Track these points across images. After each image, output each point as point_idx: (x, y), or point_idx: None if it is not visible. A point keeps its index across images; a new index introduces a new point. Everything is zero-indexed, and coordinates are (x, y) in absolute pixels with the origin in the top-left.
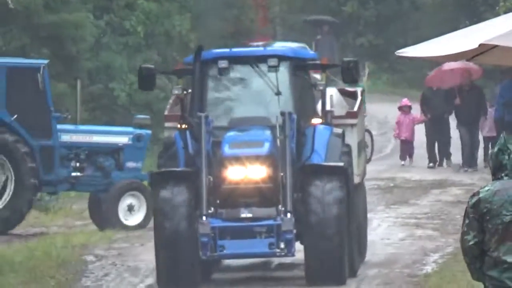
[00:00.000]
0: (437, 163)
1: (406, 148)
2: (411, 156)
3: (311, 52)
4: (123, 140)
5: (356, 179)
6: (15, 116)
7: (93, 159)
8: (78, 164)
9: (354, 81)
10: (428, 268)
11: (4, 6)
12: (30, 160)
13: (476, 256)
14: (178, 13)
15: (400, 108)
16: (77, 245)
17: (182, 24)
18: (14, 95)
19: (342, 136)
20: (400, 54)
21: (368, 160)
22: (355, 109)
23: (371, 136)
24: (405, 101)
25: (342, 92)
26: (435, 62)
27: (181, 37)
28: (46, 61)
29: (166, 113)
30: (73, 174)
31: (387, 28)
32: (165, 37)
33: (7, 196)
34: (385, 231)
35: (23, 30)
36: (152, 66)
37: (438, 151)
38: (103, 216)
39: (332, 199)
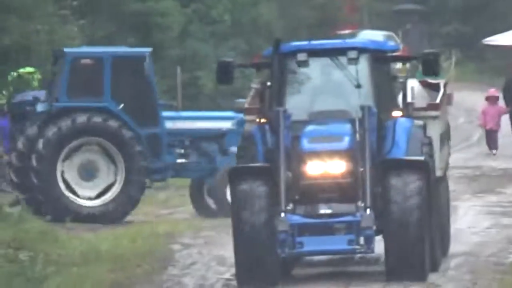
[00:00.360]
0: None
1: (492, 138)
2: (496, 145)
3: (395, 42)
4: (226, 125)
5: (438, 173)
6: (122, 105)
7: (197, 145)
8: (182, 151)
9: (434, 74)
10: None
11: None
12: (139, 148)
13: None
14: (265, 1)
15: (487, 98)
16: (163, 234)
17: (269, 12)
18: (120, 84)
19: (423, 128)
20: (488, 43)
21: None
22: (437, 101)
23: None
24: (493, 91)
25: (425, 84)
26: None
27: (268, 25)
28: (150, 50)
29: (246, 106)
30: (179, 160)
31: (474, 16)
32: (252, 25)
33: (118, 185)
34: (471, 219)
35: (110, 19)
36: (231, 60)
37: None
38: (206, 202)
39: (412, 190)
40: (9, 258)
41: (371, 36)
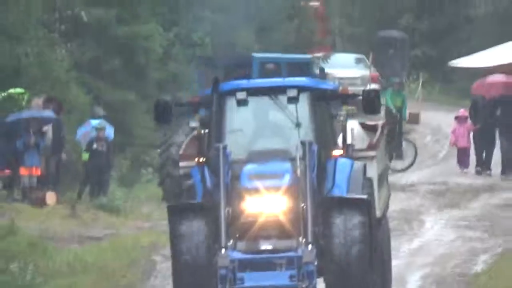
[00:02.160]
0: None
1: (464, 156)
2: (467, 164)
3: (365, 65)
4: None
5: (378, 213)
6: None
7: None
8: None
9: (375, 112)
10: (478, 268)
11: (78, 20)
12: None
13: None
14: (243, 25)
15: (457, 118)
16: (146, 246)
17: (247, 35)
18: None
19: (364, 169)
20: (454, 65)
21: (408, 167)
22: (374, 141)
23: (415, 148)
24: (463, 111)
25: (363, 125)
26: (487, 72)
27: (246, 48)
28: (310, 56)
29: (181, 152)
30: None
31: (441, 39)
32: (231, 48)
33: None
34: (437, 232)
35: (97, 42)
36: (168, 99)
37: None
38: None
39: (354, 238)
40: (0, 269)
41: (343, 58)
